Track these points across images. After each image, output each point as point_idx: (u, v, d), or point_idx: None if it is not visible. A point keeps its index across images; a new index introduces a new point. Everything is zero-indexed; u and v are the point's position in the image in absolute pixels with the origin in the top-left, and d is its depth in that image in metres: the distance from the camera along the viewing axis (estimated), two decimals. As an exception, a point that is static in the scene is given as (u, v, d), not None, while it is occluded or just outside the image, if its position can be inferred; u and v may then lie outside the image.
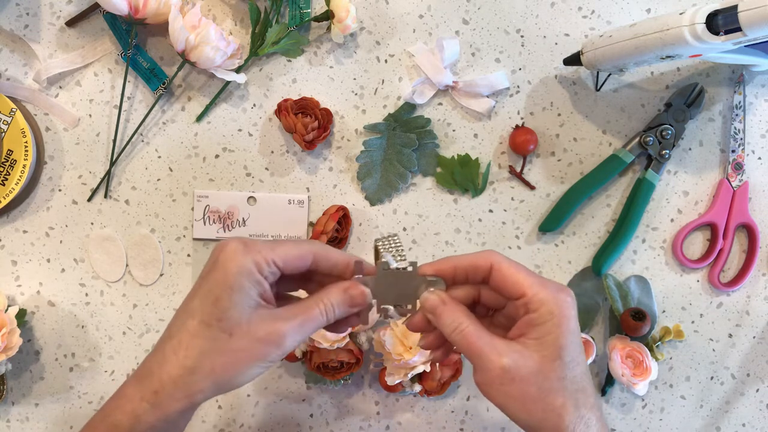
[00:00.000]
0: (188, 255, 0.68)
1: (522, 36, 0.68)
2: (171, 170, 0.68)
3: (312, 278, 0.50)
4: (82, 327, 0.68)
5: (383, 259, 0.48)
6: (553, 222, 0.66)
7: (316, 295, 0.46)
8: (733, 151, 0.67)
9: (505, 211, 0.68)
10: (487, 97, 0.67)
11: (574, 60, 0.63)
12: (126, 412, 0.44)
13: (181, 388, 0.43)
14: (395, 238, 0.50)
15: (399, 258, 0.48)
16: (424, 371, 0.62)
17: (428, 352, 0.61)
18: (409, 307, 0.48)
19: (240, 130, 0.68)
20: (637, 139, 0.66)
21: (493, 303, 0.49)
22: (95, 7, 0.67)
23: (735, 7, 0.50)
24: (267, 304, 0.45)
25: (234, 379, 0.44)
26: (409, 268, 0.48)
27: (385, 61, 0.68)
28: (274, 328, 0.44)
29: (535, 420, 0.43)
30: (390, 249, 0.49)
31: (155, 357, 0.45)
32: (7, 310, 0.64)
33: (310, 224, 0.67)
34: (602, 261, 0.65)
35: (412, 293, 0.48)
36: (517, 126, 0.67)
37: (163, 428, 0.44)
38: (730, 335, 0.68)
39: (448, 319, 0.45)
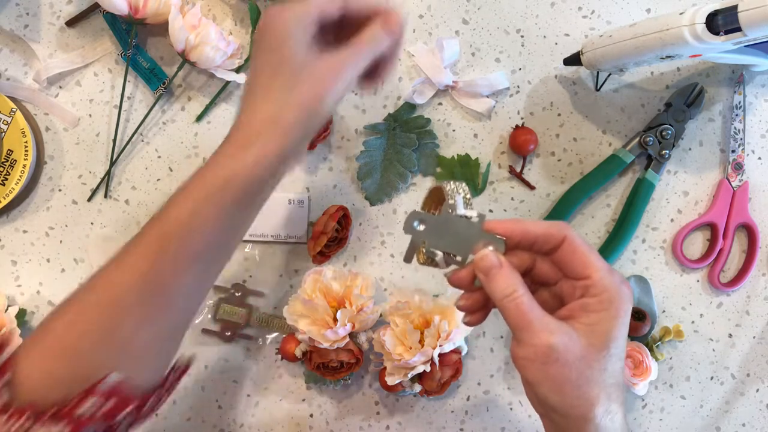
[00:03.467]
0: (188, 255, 0.68)
1: (522, 36, 0.68)
2: (171, 170, 0.68)
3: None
4: (82, 327, 0.68)
5: (450, 201, 0.44)
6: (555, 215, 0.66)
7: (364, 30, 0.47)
8: (733, 151, 0.67)
9: (505, 211, 0.68)
10: (487, 97, 0.67)
11: (574, 60, 0.63)
12: (226, 164, 0.45)
13: (273, 128, 0.44)
14: (464, 185, 0.46)
15: (468, 206, 0.45)
16: (424, 371, 0.62)
17: (429, 352, 0.61)
18: (459, 258, 0.45)
19: (240, 130, 0.68)
20: (637, 139, 0.66)
21: (545, 277, 0.46)
22: (95, 7, 0.67)
23: (735, 7, 0.50)
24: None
25: (324, 100, 0.45)
26: (475, 219, 0.44)
27: (385, 61, 0.68)
28: (340, 51, 0.46)
29: (566, 405, 0.42)
30: (460, 193, 0.45)
31: (243, 116, 0.46)
32: (6, 310, 0.64)
33: (310, 224, 0.67)
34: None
35: (467, 245, 0.44)
36: (517, 126, 0.67)
37: (261, 176, 0.45)
38: (730, 335, 0.68)
39: (503, 284, 0.43)
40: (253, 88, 0.47)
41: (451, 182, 0.46)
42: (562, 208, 0.66)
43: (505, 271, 0.43)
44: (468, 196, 0.46)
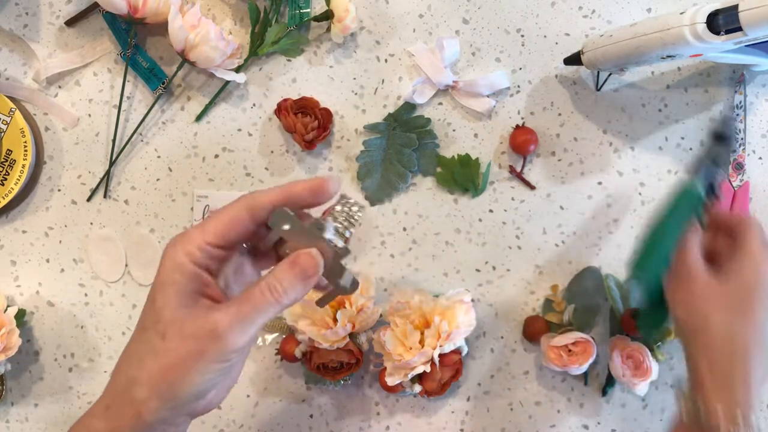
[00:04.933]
0: (188, 255, 0.67)
1: (522, 35, 0.67)
2: (170, 170, 0.68)
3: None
4: (82, 327, 0.68)
5: (323, 222, 0.42)
6: (645, 267, 0.55)
7: (261, 278, 0.40)
8: (734, 151, 0.66)
9: (505, 211, 0.68)
10: (488, 96, 0.67)
11: (574, 59, 0.63)
12: (86, 426, 0.41)
13: (126, 401, 0.39)
14: (356, 213, 0.43)
15: (341, 234, 0.42)
16: (425, 372, 0.61)
17: (429, 353, 0.60)
18: (345, 284, 0.43)
19: (240, 129, 0.68)
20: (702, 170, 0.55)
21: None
22: (94, 7, 0.67)
23: (736, 6, 0.50)
24: (212, 301, 0.40)
25: (175, 387, 0.38)
26: (340, 251, 0.42)
27: (385, 60, 0.67)
28: (206, 321, 0.38)
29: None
30: (337, 219, 0.42)
31: (118, 363, 0.41)
32: (6, 311, 0.64)
33: (310, 224, 0.66)
34: (642, 265, 0.55)
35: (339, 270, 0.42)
36: (517, 126, 0.67)
37: None
38: (731, 335, 0.68)
39: None
40: (132, 335, 0.41)
41: (347, 203, 0.43)
42: (652, 254, 0.54)
43: None
44: (348, 222, 0.42)
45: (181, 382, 0.38)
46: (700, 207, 0.55)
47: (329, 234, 0.41)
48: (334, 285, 0.43)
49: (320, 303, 0.44)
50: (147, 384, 0.39)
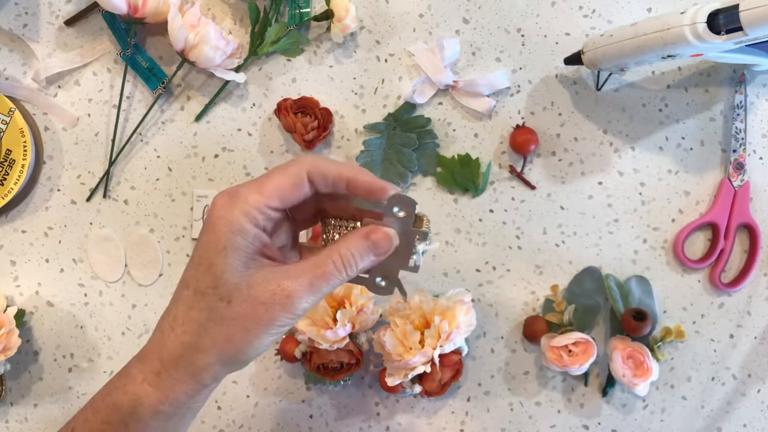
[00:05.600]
0: (187, 255, 0.67)
1: (522, 35, 0.67)
2: (170, 170, 0.68)
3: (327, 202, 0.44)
4: (81, 327, 0.68)
5: (422, 238, 0.42)
6: None
7: (331, 246, 0.41)
8: (734, 151, 0.66)
9: (505, 211, 0.67)
10: (488, 96, 0.67)
11: (574, 59, 0.63)
12: (128, 392, 0.40)
13: (184, 368, 0.39)
14: (429, 226, 0.43)
15: (424, 246, 0.43)
16: (425, 372, 0.61)
17: (429, 353, 0.60)
18: (380, 282, 0.44)
19: (239, 129, 0.68)
20: None
21: None
22: (94, 7, 0.67)
23: (736, 6, 0.50)
24: (271, 261, 0.41)
25: (242, 352, 0.39)
26: (414, 264, 0.43)
27: (385, 60, 0.67)
28: (280, 288, 0.38)
29: None
30: (425, 238, 0.43)
31: (155, 335, 0.41)
32: (5, 311, 0.64)
33: (310, 224, 0.66)
34: None
35: (395, 265, 0.43)
36: (517, 125, 0.67)
37: (170, 412, 0.40)
38: (732, 336, 0.68)
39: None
40: (178, 298, 0.41)
41: (429, 223, 0.44)
42: None
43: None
44: (428, 236, 0.44)
45: (250, 347, 0.39)
46: None
47: (421, 247, 0.43)
48: (372, 280, 0.44)
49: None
50: (211, 350, 0.39)
